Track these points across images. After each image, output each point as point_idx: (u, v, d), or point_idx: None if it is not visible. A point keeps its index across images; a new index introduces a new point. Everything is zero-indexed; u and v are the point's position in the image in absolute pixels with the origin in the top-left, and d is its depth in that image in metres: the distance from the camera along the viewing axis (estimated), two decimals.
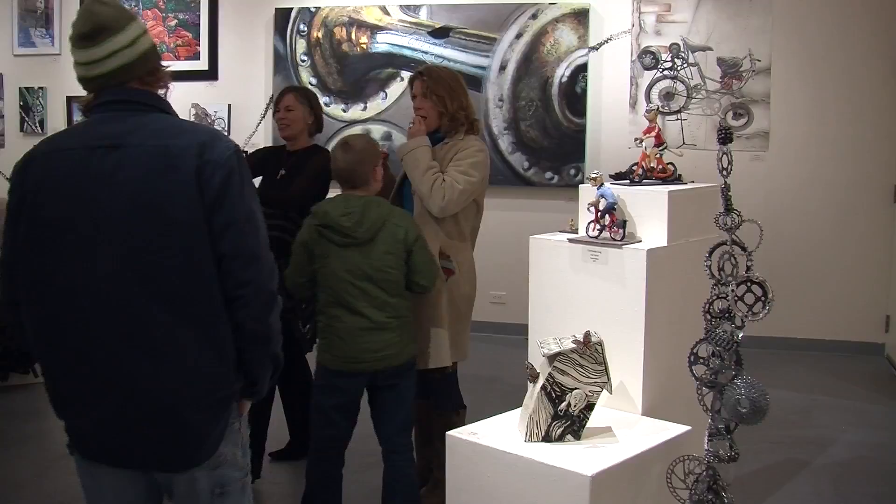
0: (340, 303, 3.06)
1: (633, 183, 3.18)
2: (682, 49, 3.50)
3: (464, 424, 3.45)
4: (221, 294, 1.92)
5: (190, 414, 1.93)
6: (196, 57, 7.32)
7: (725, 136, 2.45)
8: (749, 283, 2.43)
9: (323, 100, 6.96)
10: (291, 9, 7.01)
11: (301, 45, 7.02)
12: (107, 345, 1.88)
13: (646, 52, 3.52)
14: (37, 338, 1.97)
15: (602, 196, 2.98)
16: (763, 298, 2.41)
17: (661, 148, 3.26)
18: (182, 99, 7.27)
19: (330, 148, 3.35)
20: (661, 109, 3.37)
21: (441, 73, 3.53)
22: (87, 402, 1.93)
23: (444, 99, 3.41)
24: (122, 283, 1.87)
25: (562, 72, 6.53)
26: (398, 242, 3.08)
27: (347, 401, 3.17)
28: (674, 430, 2.75)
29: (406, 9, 6.80)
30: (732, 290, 2.43)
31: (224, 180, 1.90)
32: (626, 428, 2.76)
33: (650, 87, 3.50)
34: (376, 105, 6.91)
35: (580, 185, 3.25)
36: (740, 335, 2.44)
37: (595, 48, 6.52)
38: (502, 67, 6.64)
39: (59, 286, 1.91)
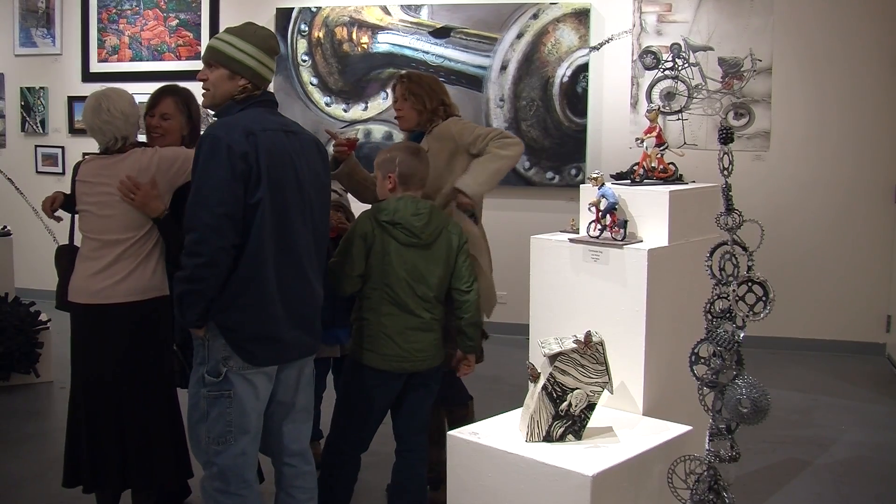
0: (395, 301, 3.07)
1: (634, 183, 3.18)
2: (683, 49, 3.49)
3: (474, 415, 3.47)
4: None
5: (319, 313, 2.89)
6: (197, 57, 7.31)
7: (726, 135, 2.46)
8: (750, 283, 2.43)
9: (324, 100, 7.01)
10: (292, 9, 7.01)
11: (302, 45, 7.02)
12: (304, 271, 2.77)
13: (647, 51, 3.51)
14: (266, 268, 2.65)
15: (603, 196, 2.98)
16: (764, 298, 2.41)
17: (662, 148, 3.25)
18: None
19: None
20: (661, 109, 3.36)
21: (420, 75, 3.72)
22: (286, 315, 2.72)
23: (423, 97, 3.54)
24: (307, 229, 2.77)
25: (563, 72, 6.53)
26: (451, 249, 3.16)
27: (384, 401, 3.18)
28: (675, 429, 2.75)
29: (407, 9, 6.80)
30: (733, 290, 2.43)
31: None
32: (627, 428, 2.76)
33: (651, 86, 3.49)
34: (377, 105, 6.91)
35: (581, 185, 3.25)
36: (741, 335, 2.44)
37: (596, 48, 6.51)
38: (503, 67, 6.64)
39: (287, 230, 2.70)
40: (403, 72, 3.77)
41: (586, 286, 2.99)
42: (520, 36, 6.60)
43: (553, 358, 2.61)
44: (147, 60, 7.46)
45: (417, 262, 3.09)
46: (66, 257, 3.31)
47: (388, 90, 6.85)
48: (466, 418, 3.50)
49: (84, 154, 3.31)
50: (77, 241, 3.32)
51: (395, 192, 3.14)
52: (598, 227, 3.01)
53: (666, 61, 3.42)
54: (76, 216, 3.31)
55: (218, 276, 2.61)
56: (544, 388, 2.61)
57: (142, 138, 3.40)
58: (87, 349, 3.19)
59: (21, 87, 7.77)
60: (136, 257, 3.15)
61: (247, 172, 2.59)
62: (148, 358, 3.18)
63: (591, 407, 2.65)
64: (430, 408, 3.32)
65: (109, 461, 3.18)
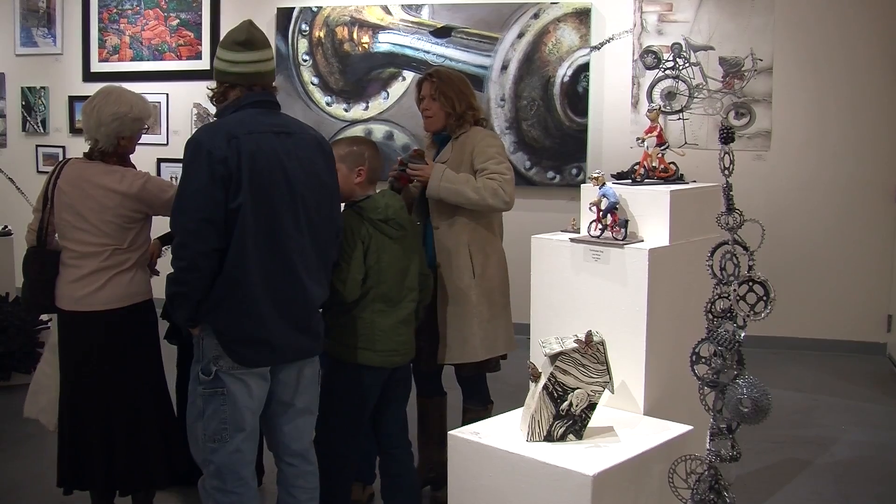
0: (386, 297, 3.10)
1: (634, 182, 3.18)
2: (683, 48, 3.49)
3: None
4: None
5: (319, 315, 2.89)
6: (198, 57, 7.32)
7: (727, 135, 2.45)
8: (751, 283, 2.43)
9: (325, 99, 7.01)
10: (293, 8, 7.01)
11: (303, 45, 7.02)
12: (296, 273, 2.71)
13: (647, 51, 3.51)
14: (250, 271, 2.63)
15: (604, 196, 2.98)
16: (765, 298, 2.41)
17: (662, 147, 3.25)
18: (184, 98, 7.29)
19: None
20: (662, 109, 3.36)
21: (450, 75, 3.58)
22: (277, 318, 2.69)
23: (453, 100, 3.47)
24: (300, 231, 2.72)
25: (563, 71, 6.53)
26: (418, 235, 3.28)
27: (374, 398, 3.18)
28: (675, 429, 2.75)
29: (408, 8, 6.80)
30: (734, 290, 2.43)
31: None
32: (628, 427, 2.76)
33: (652, 86, 3.49)
34: (378, 105, 6.92)
35: (582, 185, 3.24)
36: (742, 335, 2.44)
37: (597, 48, 6.52)
38: (504, 67, 6.64)
39: (275, 232, 2.66)
40: (431, 69, 3.67)
41: (587, 286, 2.99)
42: (521, 35, 6.60)
43: (554, 357, 2.61)
44: (148, 60, 7.46)
45: (403, 254, 3.15)
46: (35, 264, 3.27)
47: (389, 89, 6.89)
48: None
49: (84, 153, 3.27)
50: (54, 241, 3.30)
51: (363, 186, 3.14)
52: (599, 226, 3.01)
53: (667, 61, 3.42)
54: (50, 216, 3.23)
55: (200, 278, 2.62)
56: (545, 387, 2.61)
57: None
58: (71, 352, 3.20)
59: (22, 87, 7.77)
60: (113, 268, 3.13)
61: (227, 177, 2.59)
62: (133, 360, 3.17)
63: (591, 406, 2.65)
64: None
65: (94, 463, 3.17)
